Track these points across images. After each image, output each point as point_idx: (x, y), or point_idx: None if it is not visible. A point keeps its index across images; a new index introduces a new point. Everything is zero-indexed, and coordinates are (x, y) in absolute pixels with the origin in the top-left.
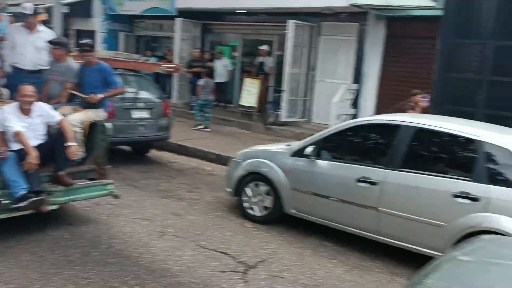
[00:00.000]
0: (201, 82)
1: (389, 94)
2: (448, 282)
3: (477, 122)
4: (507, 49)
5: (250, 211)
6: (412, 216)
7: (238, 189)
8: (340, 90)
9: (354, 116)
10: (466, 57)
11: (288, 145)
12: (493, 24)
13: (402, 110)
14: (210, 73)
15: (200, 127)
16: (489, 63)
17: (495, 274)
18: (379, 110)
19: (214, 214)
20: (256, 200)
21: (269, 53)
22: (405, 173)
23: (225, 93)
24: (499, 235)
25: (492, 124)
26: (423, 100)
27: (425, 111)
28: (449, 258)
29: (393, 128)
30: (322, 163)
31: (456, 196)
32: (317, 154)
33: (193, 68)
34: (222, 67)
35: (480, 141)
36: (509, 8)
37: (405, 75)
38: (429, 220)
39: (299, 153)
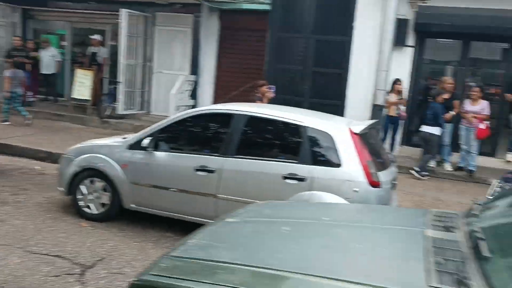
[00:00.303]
0: (7, 73)
1: (226, 85)
2: (208, 240)
3: (303, 109)
4: (325, 43)
5: (86, 210)
6: (248, 200)
7: (72, 187)
8: (178, 81)
9: (193, 107)
10: (292, 49)
11: (124, 138)
12: (314, 20)
13: (252, 101)
14: (35, 64)
15: (6, 123)
16: (311, 55)
17: (249, 229)
18: (217, 100)
19: (45, 216)
20: (93, 198)
21: (102, 43)
22: (240, 159)
23: (54, 85)
24: (273, 201)
25: (316, 111)
26: (269, 91)
27: (271, 101)
28: (217, 221)
29: (227, 117)
30: (160, 154)
31: (286, 178)
32: (155, 146)
33: (14, 58)
34: (49, 58)
35: (304, 126)
36: (325, 5)
37: (239, 66)
38: None
39: (136, 145)
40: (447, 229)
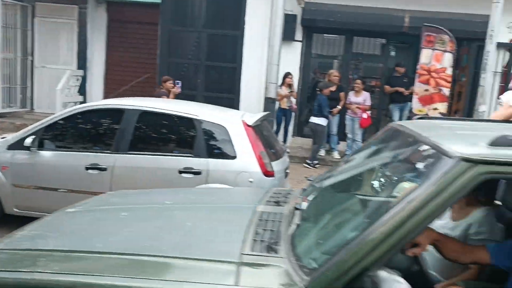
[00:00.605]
0: None
1: (117, 79)
2: (39, 230)
3: (197, 103)
4: (218, 37)
5: None
6: None
7: None
8: (65, 77)
9: (82, 103)
10: (185, 43)
11: (3, 138)
12: (205, 14)
13: (158, 97)
14: None
15: None
16: (204, 49)
17: (87, 217)
18: (107, 96)
19: None
20: None
21: None
22: (134, 155)
23: None
24: (125, 190)
25: (210, 105)
26: (176, 86)
27: (177, 97)
28: (55, 212)
29: (119, 112)
30: (46, 153)
31: (182, 172)
32: (40, 145)
33: None
34: None
35: (199, 119)
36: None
37: (131, 60)
38: None
39: (17, 145)
40: (278, 203)
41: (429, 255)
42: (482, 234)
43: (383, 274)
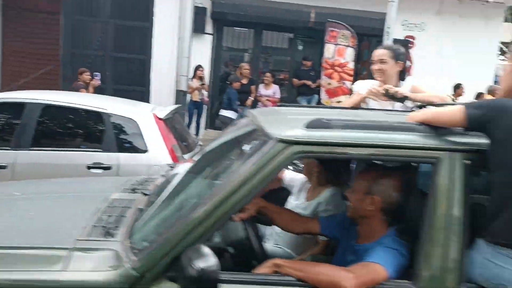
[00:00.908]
0: None
1: (15, 71)
2: None
3: (106, 96)
4: (125, 28)
5: None
6: None
7: None
8: None
9: None
10: (90, 34)
11: None
12: (111, 4)
13: (76, 90)
14: None
15: None
16: (111, 40)
17: None
18: (4, 88)
19: None
20: None
21: None
22: (37, 151)
23: None
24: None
25: (119, 98)
26: (94, 79)
27: (97, 90)
28: None
29: (19, 107)
30: None
31: (90, 168)
32: None
33: None
34: None
35: (108, 113)
36: None
37: (31, 51)
38: None
39: None
40: (133, 190)
41: (284, 234)
42: (329, 211)
43: (198, 250)
